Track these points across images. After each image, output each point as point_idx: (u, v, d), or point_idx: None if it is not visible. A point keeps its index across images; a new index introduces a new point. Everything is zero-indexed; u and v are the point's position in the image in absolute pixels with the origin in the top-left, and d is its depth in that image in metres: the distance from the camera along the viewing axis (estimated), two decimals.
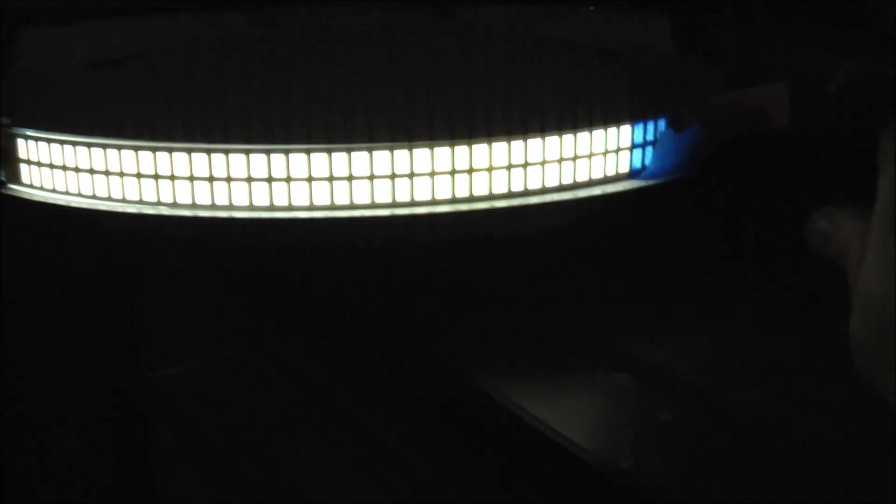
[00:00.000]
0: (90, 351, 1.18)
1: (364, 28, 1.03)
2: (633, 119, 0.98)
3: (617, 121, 0.97)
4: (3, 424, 0.90)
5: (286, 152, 0.88)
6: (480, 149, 0.91)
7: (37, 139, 0.96)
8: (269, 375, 1.07)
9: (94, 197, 0.94)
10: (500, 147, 0.91)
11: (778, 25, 1.42)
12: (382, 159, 0.89)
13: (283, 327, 0.99)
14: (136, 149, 0.91)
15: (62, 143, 0.94)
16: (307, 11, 1.14)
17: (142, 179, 0.92)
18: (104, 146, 0.92)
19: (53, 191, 0.97)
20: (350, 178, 0.89)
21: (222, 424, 1.21)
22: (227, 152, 0.89)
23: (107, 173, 0.93)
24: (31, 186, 0.99)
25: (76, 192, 0.95)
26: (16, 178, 0.99)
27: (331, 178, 0.89)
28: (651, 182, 0.98)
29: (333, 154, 0.88)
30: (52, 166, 0.96)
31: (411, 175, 0.90)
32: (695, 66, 1.16)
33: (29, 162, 0.98)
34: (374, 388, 0.88)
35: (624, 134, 0.98)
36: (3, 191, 0.98)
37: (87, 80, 0.94)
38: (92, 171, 0.93)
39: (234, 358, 1.15)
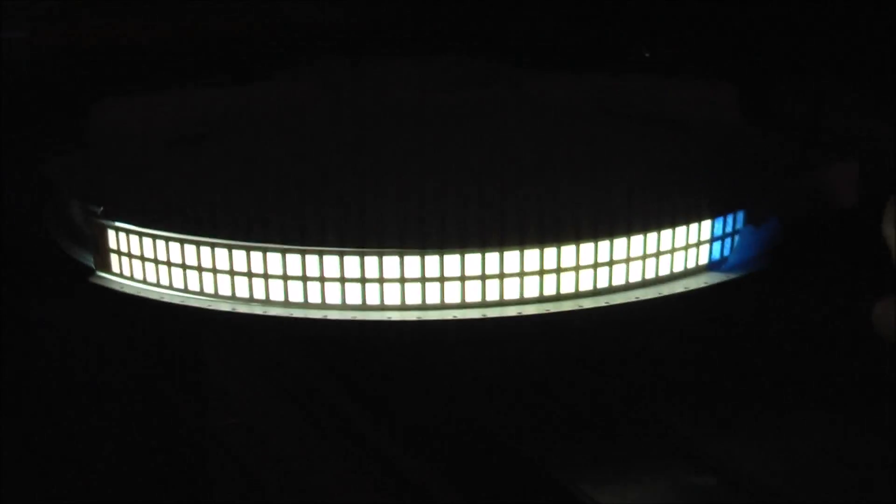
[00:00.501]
0: (160, 402, 1.19)
1: (439, 112, 1.04)
2: (714, 214, 0.99)
3: (698, 217, 0.98)
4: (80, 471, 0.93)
5: (379, 255, 0.90)
6: (568, 250, 0.92)
7: (128, 231, 0.97)
8: (323, 432, 1.08)
9: (185, 290, 0.96)
10: (587, 248, 0.93)
11: (844, 92, 1.43)
12: (474, 262, 0.90)
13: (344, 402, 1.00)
14: (229, 248, 0.92)
15: (154, 237, 0.96)
16: (384, 83, 1.16)
17: (235, 277, 0.93)
18: (197, 244, 0.93)
19: (144, 281, 0.98)
20: (442, 279, 0.91)
21: (277, 474, 1.22)
22: (321, 254, 0.90)
23: (199, 269, 0.94)
24: (121, 276, 1.00)
25: (167, 284, 0.97)
26: (106, 267, 1.00)
27: (422, 279, 0.91)
28: (731, 276, 0.99)
29: (426, 257, 0.90)
30: (143, 258, 0.98)
31: (501, 276, 0.91)
32: (767, 144, 1.17)
33: (119, 252, 0.99)
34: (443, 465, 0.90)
35: (704, 229, 0.99)
36: (93, 279, 0.99)
37: (176, 168, 0.96)
38: (184, 266, 0.95)
39: (290, 413, 1.16)
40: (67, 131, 1.13)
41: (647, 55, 1.40)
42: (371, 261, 0.90)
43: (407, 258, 0.90)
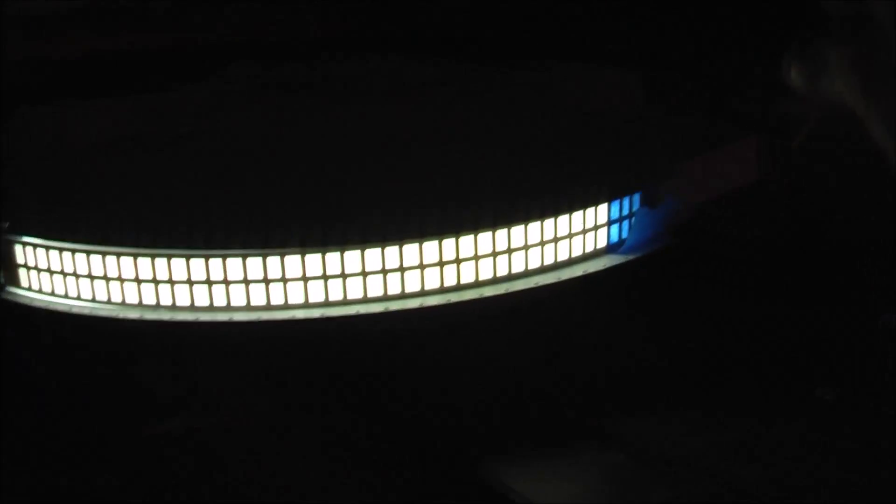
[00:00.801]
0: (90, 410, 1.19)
1: (340, 112, 1.06)
2: (610, 198, 1.02)
3: (595, 201, 1.01)
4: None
5: (282, 255, 0.91)
6: (467, 240, 0.95)
7: (34, 245, 0.98)
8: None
9: (93, 301, 0.97)
10: (485, 237, 0.95)
11: (742, 70, 1.46)
12: (374, 257, 0.92)
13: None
14: (134, 256, 0.93)
15: (60, 249, 0.97)
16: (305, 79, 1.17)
17: (141, 284, 0.94)
18: (103, 253, 0.94)
19: (52, 294, 0.99)
20: (343, 276, 0.93)
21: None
22: (224, 257, 0.92)
23: (106, 279, 0.95)
24: (29, 290, 1.01)
25: (76, 296, 0.98)
26: (14, 282, 1.01)
27: (325, 277, 0.92)
28: (629, 257, 1.02)
29: (327, 255, 0.92)
30: (50, 271, 0.98)
31: (401, 269, 0.94)
32: (664, 128, 1.20)
33: (27, 266, 1.00)
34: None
35: (601, 212, 1.02)
36: (2, 295, 1.00)
37: (84, 180, 0.97)
38: (91, 277, 0.96)
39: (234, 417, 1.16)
40: None
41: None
42: (273, 261, 0.92)
43: (308, 257, 0.92)
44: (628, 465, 0.85)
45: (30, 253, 1.00)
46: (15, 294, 1.01)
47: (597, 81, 1.17)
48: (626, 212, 1.05)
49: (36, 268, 1.00)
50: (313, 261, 0.92)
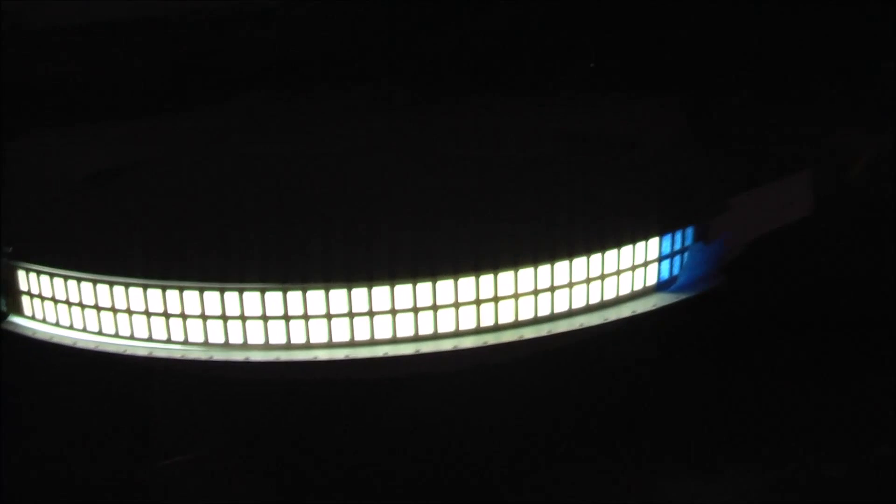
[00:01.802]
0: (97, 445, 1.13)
1: (371, 144, 0.98)
2: (662, 232, 0.94)
3: (645, 236, 0.93)
4: None
5: (304, 290, 0.84)
6: (506, 276, 0.87)
7: (39, 272, 0.91)
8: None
9: (100, 333, 0.90)
10: (525, 274, 0.87)
11: (795, 104, 1.38)
12: (404, 294, 0.85)
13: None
14: (144, 287, 0.86)
15: (65, 277, 0.90)
16: (314, 115, 1.10)
17: (151, 318, 0.87)
18: (111, 283, 0.87)
19: (57, 324, 0.92)
20: (371, 314, 0.85)
21: None
22: (241, 290, 0.84)
23: (114, 310, 0.88)
24: (33, 319, 0.94)
25: (81, 327, 0.91)
26: (18, 310, 0.94)
27: (350, 315, 0.85)
28: (681, 296, 0.94)
29: (353, 290, 0.84)
30: (55, 300, 0.91)
31: (434, 307, 0.86)
32: (715, 160, 1.12)
33: (31, 294, 0.93)
34: None
35: (651, 248, 0.94)
36: (4, 325, 0.93)
37: (90, 207, 0.90)
38: (98, 308, 0.89)
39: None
40: None
41: (592, 66, 1.35)
42: (294, 297, 0.84)
43: (332, 293, 0.84)
44: None
45: (34, 280, 0.92)
46: (17, 325, 0.93)
47: (646, 112, 1.09)
48: (678, 247, 0.97)
49: (40, 296, 0.93)
50: (338, 297, 0.84)
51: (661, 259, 0.96)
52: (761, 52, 1.40)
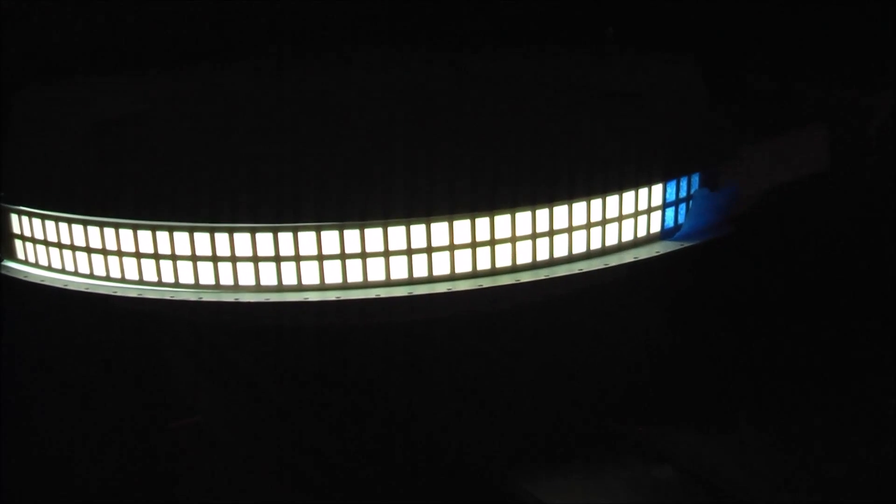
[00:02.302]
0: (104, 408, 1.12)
1: (372, 89, 0.96)
2: (666, 178, 0.91)
3: (648, 181, 0.90)
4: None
5: (294, 230, 0.82)
6: (503, 219, 0.84)
7: (31, 214, 0.90)
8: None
9: (91, 276, 0.88)
10: (523, 217, 0.85)
11: (815, 59, 1.35)
12: (398, 235, 0.83)
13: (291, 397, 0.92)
14: (134, 228, 0.85)
15: (56, 219, 0.88)
16: (315, 67, 1.08)
17: (142, 259, 0.85)
18: (101, 225, 0.86)
19: (49, 268, 0.91)
20: (364, 255, 0.83)
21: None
22: (231, 231, 0.82)
23: (104, 252, 0.87)
24: (26, 262, 0.93)
25: (73, 270, 0.89)
26: (11, 254, 0.93)
27: (343, 256, 0.83)
28: (685, 244, 0.91)
29: (345, 231, 0.82)
30: (46, 243, 0.90)
31: (429, 250, 0.84)
32: (728, 113, 1.09)
33: (24, 238, 0.92)
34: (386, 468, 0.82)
35: (655, 194, 0.91)
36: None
37: (83, 153, 0.89)
38: (88, 250, 0.88)
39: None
40: None
41: (611, 31, 1.32)
42: (286, 237, 0.82)
43: (324, 233, 0.82)
44: (676, 482, 0.74)
45: (25, 223, 0.91)
46: (9, 268, 0.92)
47: (656, 67, 1.06)
48: (682, 194, 0.94)
49: (32, 239, 0.91)
50: (330, 238, 0.82)
51: (665, 206, 0.93)
52: (780, 6, 1.36)
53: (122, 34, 1.22)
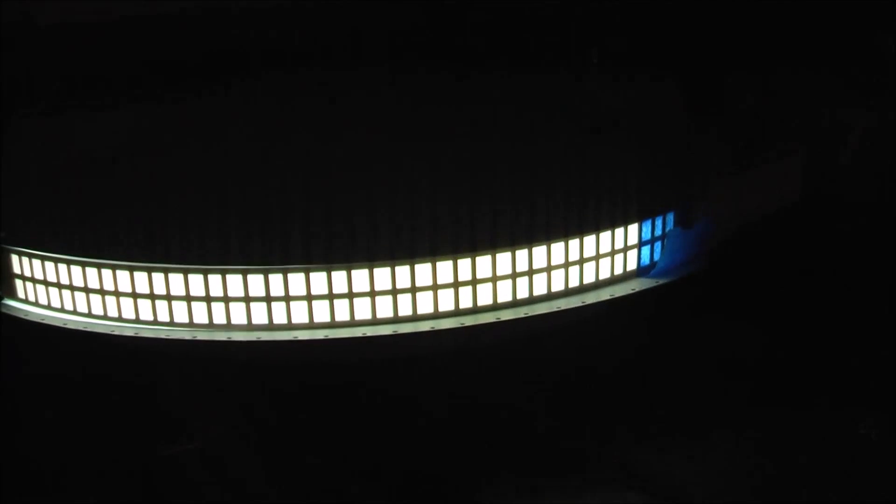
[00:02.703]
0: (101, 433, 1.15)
1: (353, 125, 0.99)
2: (641, 218, 0.95)
3: (624, 221, 0.94)
4: None
5: (284, 272, 0.86)
6: (483, 260, 0.88)
7: (30, 255, 0.94)
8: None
9: (90, 314, 0.92)
10: (503, 258, 0.89)
11: (794, 80, 1.38)
12: (383, 276, 0.86)
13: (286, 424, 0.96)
14: (131, 269, 0.88)
15: (55, 260, 0.92)
16: (307, 91, 1.11)
17: (138, 299, 0.89)
18: (99, 266, 0.89)
19: (49, 307, 0.94)
20: (350, 295, 0.87)
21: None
22: (223, 272, 0.86)
23: (102, 293, 0.90)
24: (26, 301, 0.96)
25: (72, 309, 0.93)
26: (11, 293, 0.97)
27: (330, 296, 0.87)
28: (660, 281, 0.95)
29: (333, 273, 0.86)
30: (46, 283, 0.94)
31: (413, 290, 0.87)
32: (703, 144, 1.13)
33: (24, 278, 0.95)
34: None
35: (631, 233, 0.95)
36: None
37: (80, 194, 0.92)
38: (87, 290, 0.91)
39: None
40: None
41: (595, 61, 1.35)
42: (275, 279, 0.86)
43: (312, 275, 0.86)
44: None
45: (26, 264, 0.95)
46: (11, 307, 0.96)
47: (629, 91, 1.09)
48: (658, 232, 0.98)
49: (32, 279, 0.95)
50: (318, 279, 0.86)
51: (640, 244, 0.97)
52: (755, 33, 1.39)
53: (115, 62, 1.25)
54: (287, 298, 0.87)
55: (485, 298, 0.90)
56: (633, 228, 0.96)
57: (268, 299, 0.87)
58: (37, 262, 0.94)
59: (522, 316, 0.89)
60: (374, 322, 0.88)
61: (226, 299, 0.87)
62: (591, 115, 1.03)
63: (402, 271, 0.87)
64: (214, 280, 0.87)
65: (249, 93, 1.04)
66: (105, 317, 0.92)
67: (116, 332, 0.90)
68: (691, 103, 1.22)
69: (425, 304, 0.88)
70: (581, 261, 0.93)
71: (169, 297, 0.88)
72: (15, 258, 0.96)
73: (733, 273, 1.02)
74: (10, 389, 0.97)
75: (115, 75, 1.12)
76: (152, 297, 0.89)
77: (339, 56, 1.20)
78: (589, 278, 0.94)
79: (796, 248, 1.14)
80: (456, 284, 0.88)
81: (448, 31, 1.22)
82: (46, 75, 1.19)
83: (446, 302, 0.89)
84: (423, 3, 1.23)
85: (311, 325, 0.88)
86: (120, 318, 0.91)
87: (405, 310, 0.88)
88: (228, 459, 0.95)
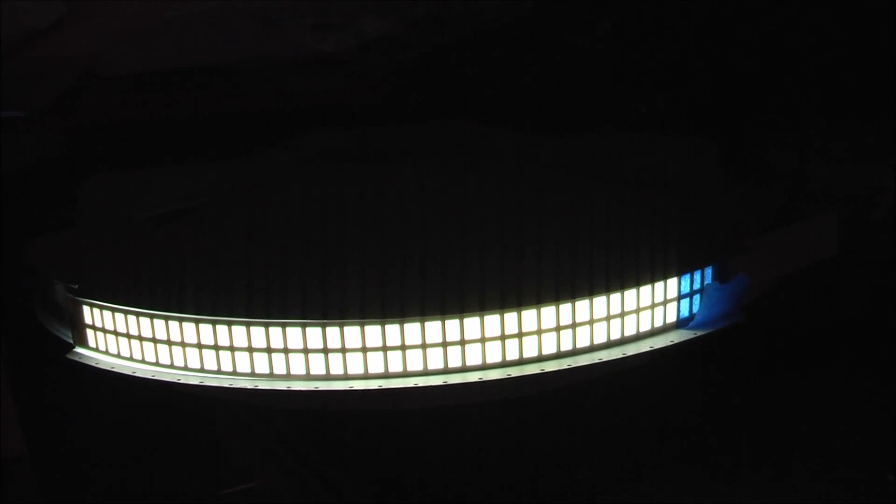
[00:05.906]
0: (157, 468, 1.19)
1: (400, 181, 1.04)
2: (680, 272, 0.99)
3: (664, 275, 0.98)
4: None
5: (341, 325, 0.91)
6: (529, 314, 0.93)
7: (101, 307, 0.99)
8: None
9: (157, 364, 0.97)
10: (548, 312, 0.93)
11: (829, 143, 1.42)
12: (434, 329, 0.91)
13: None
14: (196, 322, 0.94)
15: (125, 312, 0.98)
16: (357, 158, 1.17)
17: (203, 350, 0.95)
18: (166, 318, 0.95)
19: (118, 356, 1.00)
20: (403, 347, 0.92)
21: None
22: (283, 326, 0.91)
23: (169, 343, 0.96)
24: (96, 350, 1.02)
25: (140, 358, 0.98)
26: (83, 342, 1.02)
27: (384, 348, 0.92)
28: (698, 333, 0.99)
29: (387, 326, 0.91)
30: (116, 333, 0.99)
31: (462, 343, 0.92)
32: (741, 200, 1.17)
33: (94, 328, 1.01)
34: None
35: (670, 287, 0.99)
36: (70, 356, 1.01)
37: (149, 247, 0.98)
38: (154, 341, 0.97)
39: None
40: (61, 211, 1.15)
41: (643, 110, 1.40)
42: (332, 332, 0.91)
43: (367, 328, 0.91)
44: None
45: (97, 314, 1.01)
46: (82, 355, 1.02)
47: (668, 150, 1.14)
48: (696, 286, 1.02)
49: (102, 329, 1.01)
50: (372, 332, 0.91)
51: (679, 298, 1.01)
52: (794, 92, 1.43)
53: (178, 126, 1.32)
54: (343, 350, 0.92)
55: (530, 350, 0.94)
56: (673, 282, 1.00)
57: (325, 351, 0.92)
58: (107, 314, 1.00)
59: (566, 367, 0.93)
60: (426, 373, 0.92)
61: (286, 350, 0.92)
62: (635, 172, 1.07)
63: (452, 325, 0.91)
64: (275, 333, 0.92)
65: (325, 149, 1.10)
66: (171, 366, 0.97)
67: (182, 381, 0.95)
68: (729, 160, 1.27)
69: (474, 356, 0.93)
70: (622, 314, 0.97)
71: (232, 349, 0.94)
72: (87, 309, 1.02)
73: (769, 327, 1.06)
74: (80, 434, 1.03)
75: (189, 129, 1.19)
76: (216, 347, 0.94)
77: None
78: (630, 330, 0.98)
79: (832, 302, 1.17)
80: (503, 337, 0.93)
81: (501, 92, 1.27)
82: (118, 128, 1.25)
83: (493, 354, 0.93)
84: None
85: (366, 376, 0.92)
86: (186, 367, 0.96)
87: (454, 361, 0.93)
88: (284, 499, 1.00)
